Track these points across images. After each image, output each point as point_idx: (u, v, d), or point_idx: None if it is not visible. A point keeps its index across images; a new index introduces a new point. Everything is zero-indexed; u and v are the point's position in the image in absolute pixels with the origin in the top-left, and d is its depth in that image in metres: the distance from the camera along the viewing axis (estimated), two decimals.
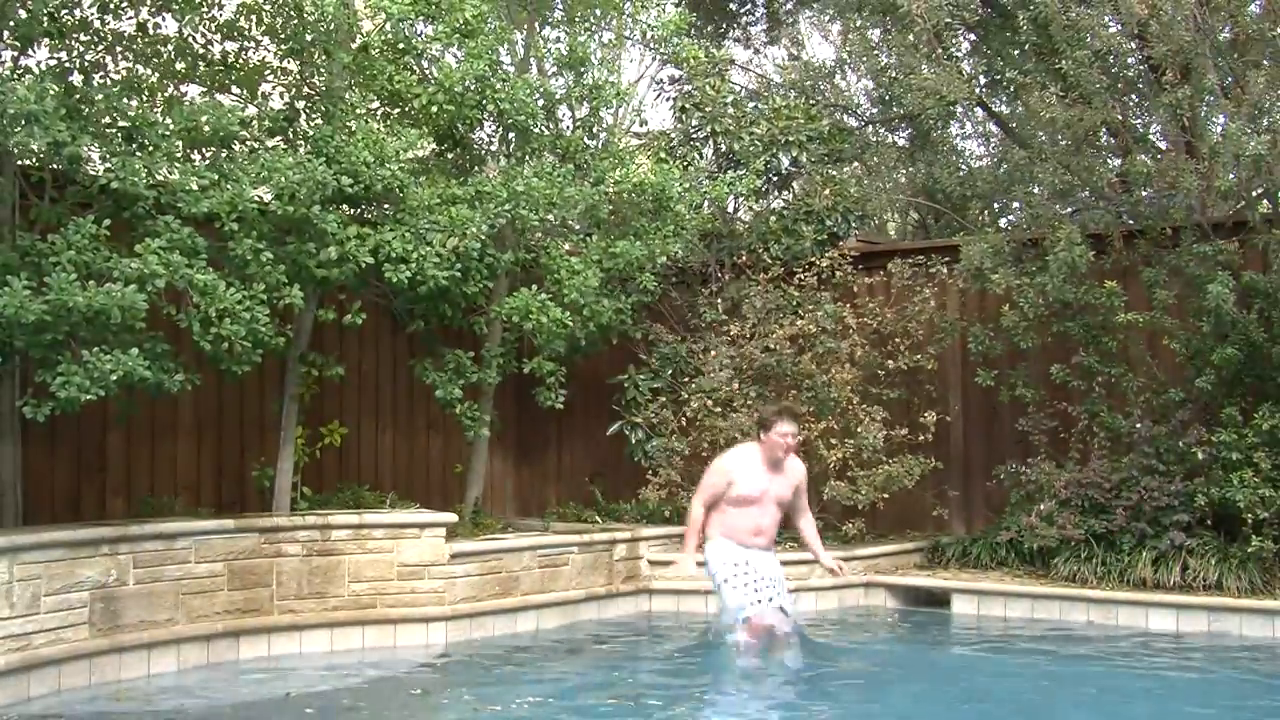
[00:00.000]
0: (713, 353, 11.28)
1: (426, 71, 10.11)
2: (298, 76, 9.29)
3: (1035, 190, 11.33)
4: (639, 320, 11.73)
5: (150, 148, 7.76)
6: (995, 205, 14.50)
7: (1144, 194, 10.62)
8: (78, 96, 7.87)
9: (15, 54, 7.85)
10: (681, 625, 9.94)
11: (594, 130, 11.22)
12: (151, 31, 8.61)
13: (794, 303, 11.47)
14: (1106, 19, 10.56)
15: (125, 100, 7.85)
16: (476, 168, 10.63)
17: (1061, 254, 10.21)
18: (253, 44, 9.12)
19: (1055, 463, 10.53)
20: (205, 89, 8.90)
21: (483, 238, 9.24)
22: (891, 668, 8.46)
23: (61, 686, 7.34)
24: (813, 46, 22.15)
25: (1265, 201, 10.23)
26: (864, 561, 10.77)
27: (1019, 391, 10.97)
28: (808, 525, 8.52)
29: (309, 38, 8.89)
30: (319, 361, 9.62)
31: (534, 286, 9.79)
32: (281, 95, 9.32)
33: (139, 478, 9.39)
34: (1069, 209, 11.62)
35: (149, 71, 8.63)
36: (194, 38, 8.86)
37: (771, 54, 21.34)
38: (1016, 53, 11.55)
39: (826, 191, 12.43)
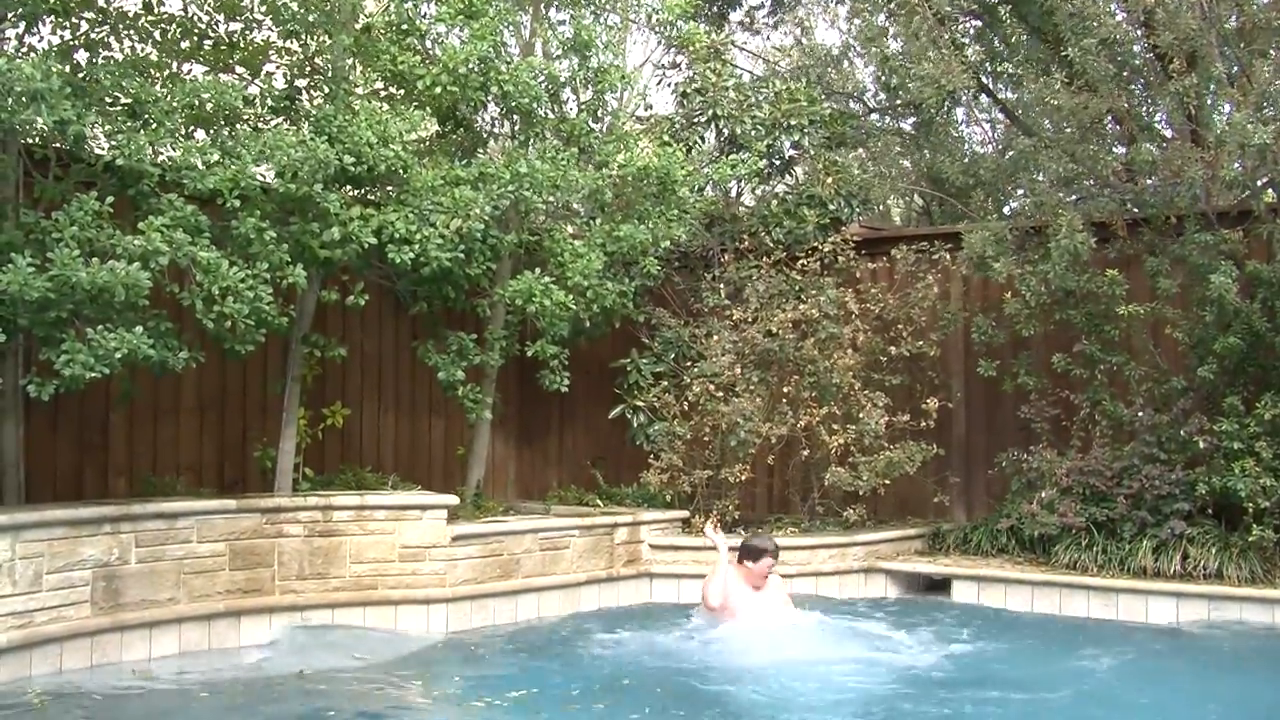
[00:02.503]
0: (715, 337, 11.27)
1: (430, 52, 10.09)
2: (301, 56, 9.28)
3: (1040, 178, 11.31)
4: (641, 304, 11.72)
5: (154, 124, 7.76)
6: (1000, 193, 14.48)
7: (1149, 182, 10.60)
8: (82, 75, 7.86)
9: (20, 32, 7.84)
10: (681, 609, 9.95)
11: (598, 114, 11.19)
12: (156, 9, 8.61)
13: (796, 288, 11.46)
14: (1112, 6, 10.53)
15: (129, 77, 7.83)
16: (480, 149, 10.62)
17: (1063, 241, 10.19)
18: (256, 23, 9.10)
19: (1057, 450, 10.53)
20: (209, 68, 8.88)
21: (486, 219, 9.23)
22: None
23: (63, 665, 7.36)
24: (818, 31, 22.06)
25: (1270, 191, 10.21)
26: (865, 547, 10.77)
27: (1021, 379, 10.97)
28: None
29: (311, 18, 8.87)
30: (322, 343, 9.61)
31: (537, 269, 9.78)
32: (285, 75, 9.31)
33: (141, 457, 9.39)
34: (1073, 197, 11.59)
35: (153, 49, 8.62)
36: (198, 16, 8.85)
37: (775, 37, 21.30)
38: (1025, 37, 11.50)
39: (829, 180, 12.41)
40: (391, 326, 11.01)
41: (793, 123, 12.52)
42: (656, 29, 12.20)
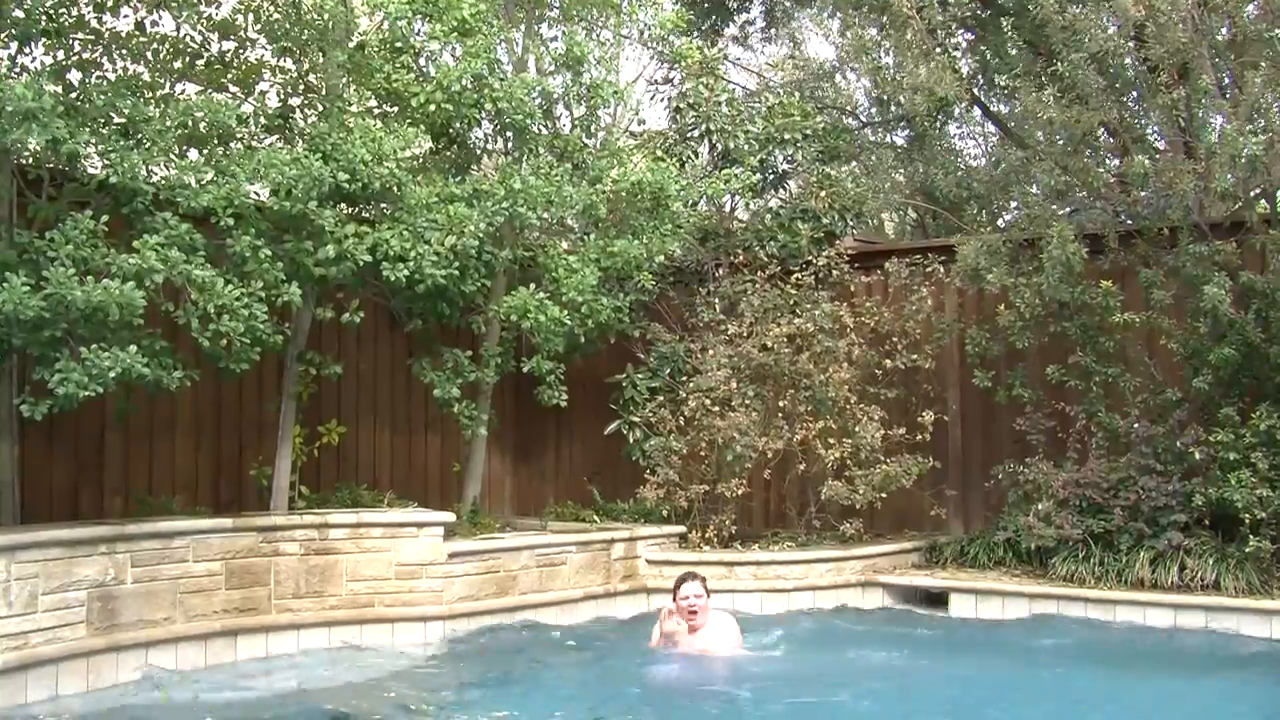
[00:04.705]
0: (710, 352, 11.27)
1: (424, 70, 10.10)
2: (294, 74, 9.29)
3: (1033, 190, 11.32)
4: (637, 319, 11.72)
5: (147, 144, 7.76)
6: (994, 205, 14.50)
7: (1142, 194, 10.61)
8: (75, 94, 7.87)
9: (12, 53, 7.84)
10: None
11: (592, 129, 11.21)
12: (148, 29, 8.62)
13: (791, 302, 11.46)
14: (1104, 19, 10.55)
15: (122, 97, 7.83)
16: (474, 166, 10.63)
17: (1055, 252, 10.20)
18: (249, 42, 9.11)
19: (1053, 462, 10.52)
20: (202, 87, 8.89)
21: (480, 236, 9.24)
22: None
23: (59, 686, 7.32)
24: (812, 46, 22.12)
25: (1263, 202, 10.23)
26: (862, 561, 10.76)
27: (1016, 391, 10.97)
28: None
29: (305, 36, 8.88)
30: (317, 360, 9.60)
31: (532, 285, 9.79)
32: (278, 93, 9.32)
33: (137, 476, 9.37)
34: (1067, 209, 11.60)
35: (145, 69, 8.63)
36: (191, 36, 8.86)
37: (769, 51, 21.34)
38: (1014, 51, 11.52)
39: (823, 194, 12.41)
40: (387, 344, 11.00)
41: (786, 137, 12.53)
42: (649, 44, 12.23)
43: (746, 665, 8.22)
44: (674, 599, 8.44)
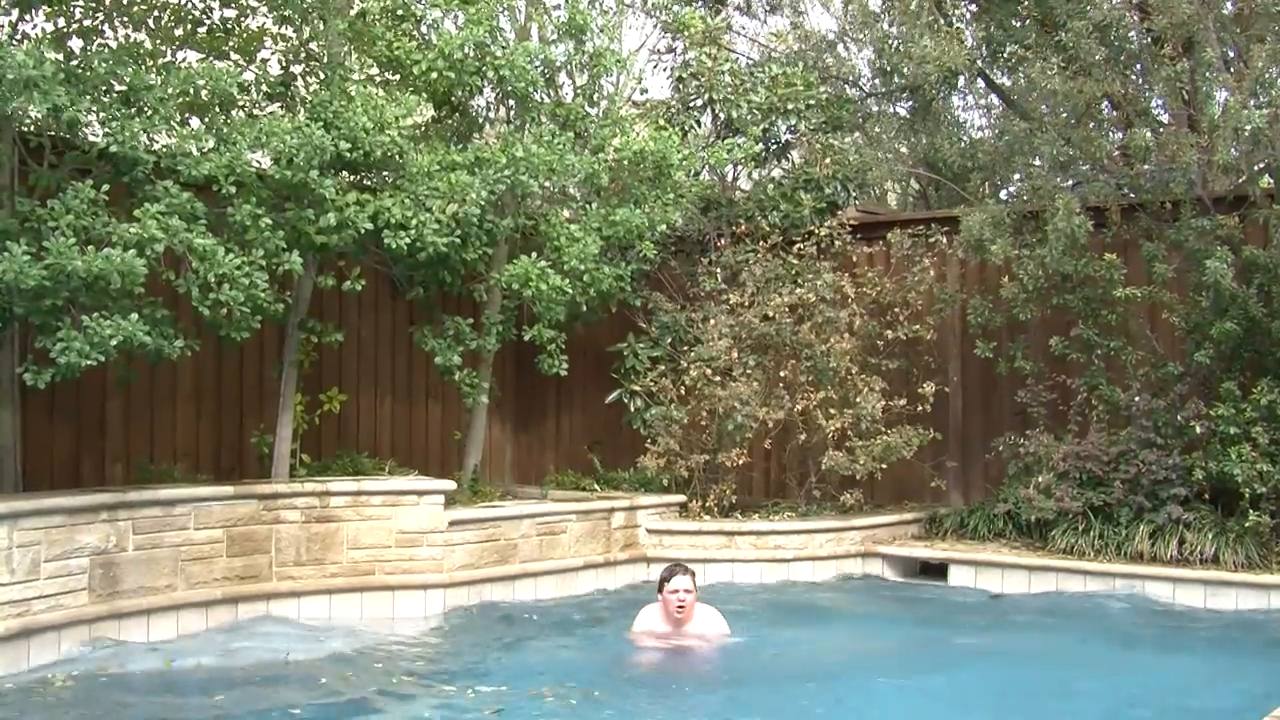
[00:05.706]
0: (711, 321, 11.26)
1: (426, 38, 10.06)
2: (296, 42, 9.25)
3: (1036, 162, 11.28)
4: (638, 289, 11.72)
5: (149, 111, 7.74)
6: (997, 177, 14.43)
7: (1145, 168, 10.57)
8: (76, 62, 7.84)
9: (14, 20, 7.81)
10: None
11: (594, 98, 11.17)
12: None
13: (793, 272, 11.44)
14: None
15: (123, 64, 7.80)
16: (476, 134, 10.60)
17: (1060, 224, 10.18)
18: (250, 10, 9.06)
19: (1054, 435, 10.52)
20: (204, 55, 8.86)
21: (482, 204, 9.22)
22: None
23: (61, 652, 7.36)
24: (814, 16, 21.94)
25: (1266, 176, 10.19)
26: (862, 532, 10.80)
27: (1018, 363, 10.96)
28: None
29: (306, 3, 8.84)
30: (318, 328, 9.60)
31: (534, 254, 9.78)
32: (280, 61, 9.28)
33: (138, 444, 9.39)
34: (1070, 182, 11.55)
35: (146, 37, 8.59)
36: (192, 3, 8.81)
37: (773, 21, 21.19)
38: (1017, 23, 11.44)
39: (827, 160, 12.38)
40: (388, 312, 11.00)
41: (789, 107, 12.49)
42: (652, 13, 12.18)
43: (738, 650, 8.14)
44: (660, 591, 8.07)
